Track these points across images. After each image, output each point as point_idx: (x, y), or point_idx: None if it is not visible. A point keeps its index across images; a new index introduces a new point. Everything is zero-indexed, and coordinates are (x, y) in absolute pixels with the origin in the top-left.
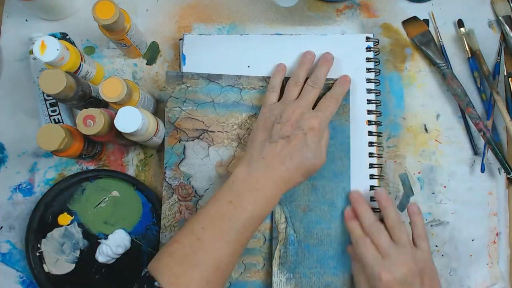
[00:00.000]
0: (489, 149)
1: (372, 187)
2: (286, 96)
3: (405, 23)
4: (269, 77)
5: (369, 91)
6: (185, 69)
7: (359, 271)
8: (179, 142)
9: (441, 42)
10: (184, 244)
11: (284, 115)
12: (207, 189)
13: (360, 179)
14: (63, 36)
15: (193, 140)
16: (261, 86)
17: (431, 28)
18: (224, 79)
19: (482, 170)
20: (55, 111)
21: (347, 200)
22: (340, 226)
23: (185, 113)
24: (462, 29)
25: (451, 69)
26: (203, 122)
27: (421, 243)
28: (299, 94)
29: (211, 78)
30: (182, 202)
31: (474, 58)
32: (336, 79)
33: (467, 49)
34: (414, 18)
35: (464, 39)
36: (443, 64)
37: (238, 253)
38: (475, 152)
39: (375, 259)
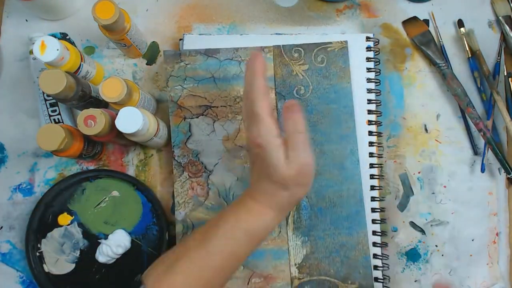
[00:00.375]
0: (489, 149)
1: (372, 187)
2: None
3: (405, 23)
4: (266, 47)
5: (369, 91)
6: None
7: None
8: (184, 120)
9: (441, 42)
10: (175, 252)
11: None
12: (216, 163)
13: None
14: (63, 36)
15: (197, 117)
16: None
17: (431, 28)
18: (222, 53)
19: (482, 170)
20: (55, 111)
21: (357, 162)
22: (352, 187)
23: (186, 91)
24: (462, 29)
25: (451, 69)
26: (206, 98)
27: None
28: None
29: (208, 53)
30: (193, 178)
31: (474, 58)
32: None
33: (467, 49)
34: (414, 18)
35: (464, 39)
36: (443, 64)
37: (225, 267)
38: (475, 152)
39: None
